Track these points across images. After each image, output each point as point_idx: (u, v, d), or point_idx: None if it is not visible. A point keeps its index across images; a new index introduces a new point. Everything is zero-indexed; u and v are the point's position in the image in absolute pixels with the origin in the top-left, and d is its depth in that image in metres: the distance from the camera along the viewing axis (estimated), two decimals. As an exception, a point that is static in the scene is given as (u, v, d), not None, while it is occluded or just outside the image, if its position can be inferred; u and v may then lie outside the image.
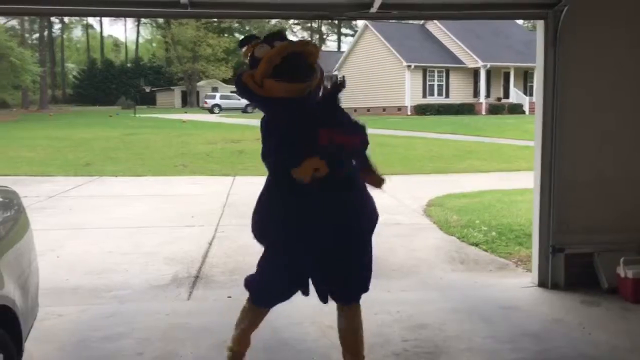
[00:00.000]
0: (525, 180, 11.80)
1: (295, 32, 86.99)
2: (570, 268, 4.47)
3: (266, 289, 2.98)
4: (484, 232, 6.63)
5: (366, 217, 2.91)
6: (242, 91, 2.84)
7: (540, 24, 4.44)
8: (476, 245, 6.23)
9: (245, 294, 3.05)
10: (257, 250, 3.02)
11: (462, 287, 4.74)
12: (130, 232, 6.94)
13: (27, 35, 64.40)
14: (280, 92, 2.71)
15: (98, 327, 3.76)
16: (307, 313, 3.80)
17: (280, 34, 2.88)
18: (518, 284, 4.73)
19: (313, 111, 2.75)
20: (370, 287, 4.01)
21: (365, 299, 4.27)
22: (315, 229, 2.78)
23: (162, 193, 10.26)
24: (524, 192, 9.92)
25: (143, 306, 4.27)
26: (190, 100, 59.17)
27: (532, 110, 36.45)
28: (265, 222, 2.87)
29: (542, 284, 4.56)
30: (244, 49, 2.93)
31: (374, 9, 4.01)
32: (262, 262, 2.96)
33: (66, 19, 77.95)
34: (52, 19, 69.55)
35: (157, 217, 7.94)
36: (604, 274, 4.39)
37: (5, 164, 14.51)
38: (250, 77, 2.76)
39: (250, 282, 3.00)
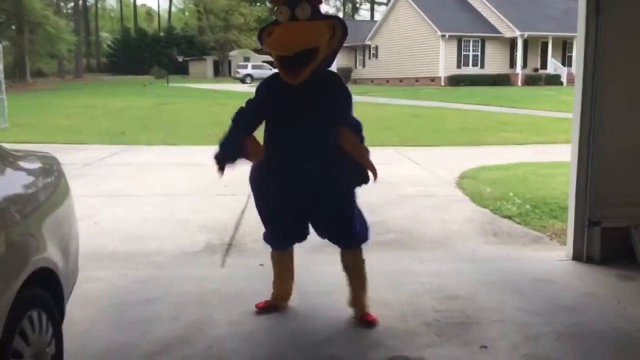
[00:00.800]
0: (562, 154, 11.53)
1: (328, 1, 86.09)
2: (606, 242, 4.40)
3: (272, 233, 3.49)
4: (518, 205, 6.55)
5: (340, 182, 3.30)
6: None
7: (582, -7, 4.30)
8: (509, 217, 6.16)
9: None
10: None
11: (494, 259, 4.71)
12: (164, 200, 7.06)
13: (62, 4, 65.03)
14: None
15: (135, 291, 3.87)
16: (338, 282, 3.83)
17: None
18: (552, 257, 4.68)
19: (292, 93, 3.16)
20: (401, 257, 4.12)
21: (396, 269, 4.32)
22: (296, 194, 3.29)
23: (194, 162, 10.36)
24: (560, 165, 9.72)
25: (178, 272, 4.36)
26: (222, 70, 59.28)
27: (570, 81, 35.79)
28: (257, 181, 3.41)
29: (577, 257, 4.50)
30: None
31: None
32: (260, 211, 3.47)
33: (100, -12, 78.48)
34: (87, -13, 70.07)
35: (190, 185, 8.05)
36: (641, 248, 4.32)
37: (42, 131, 14.84)
38: (268, 34, 3.22)
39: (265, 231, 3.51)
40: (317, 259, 4.32)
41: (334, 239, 3.46)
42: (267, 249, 3.63)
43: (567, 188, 7.36)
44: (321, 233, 3.47)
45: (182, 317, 3.46)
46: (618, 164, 4.36)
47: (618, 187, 4.37)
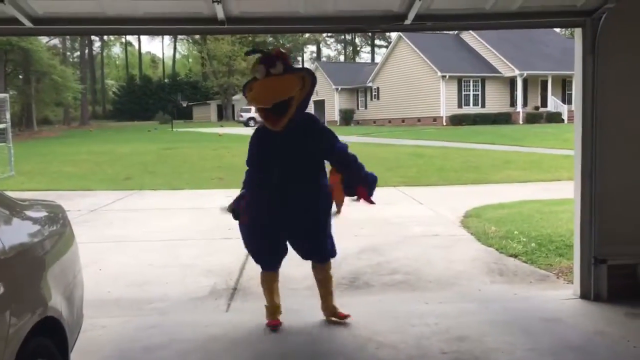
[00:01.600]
0: (566, 191, 11.54)
1: (329, 45, 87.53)
2: (613, 279, 4.37)
3: (257, 256, 4.10)
4: (523, 243, 6.52)
5: (320, 210, 3.92)
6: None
7: (578, 32, 4.39)
8: (515, 256, 6.13)
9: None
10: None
11: (501, 299, 4.67)
12: (168, 245, 7.06)
13: (68, 53, 66.33)
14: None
15: (140, 338, 3.84)
16: (344, 324, 3.81)
17: (269, 56, 3.72)
18: (559, 295, 4.64)
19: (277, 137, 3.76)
20: (408, 298, 4.19)
21: (402, 310, 4.29)
22: (282, 213, 3.81)
23: (199, 206, 10.40)
24: (564, 203, 9.72)
25: (182, 318, 4.33)
26: (225, 114, 59.94)
27: (570, 118, 35.94)
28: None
29: (584, 295, 4.46)
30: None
31: (408, 21, 4.02)
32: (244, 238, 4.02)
33: (105, 37, 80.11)
34: (93, 37, 71.56)
35: (195, 229, 8.06)
36: (649, 285, 4.28)
37: (48, 178, 14.94)
38: (249, 89, 3.77)
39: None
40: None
41: (313, 256, 4.07)
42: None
43: (571, 225, 7.39)
44: (301, 252, 4.06)
45: (187, 364, 3.43)
46: (622, 200, 4.36)
47: (623, 223, 4.37)
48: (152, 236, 7.65)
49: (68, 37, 63.88)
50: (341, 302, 4.59)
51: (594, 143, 4.34)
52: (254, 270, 5.74)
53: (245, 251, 6.37)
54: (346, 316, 4.06)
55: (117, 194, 12.18)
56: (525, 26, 4.93)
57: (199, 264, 6.01)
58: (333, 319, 4.07)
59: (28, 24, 4.04)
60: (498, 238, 6.99)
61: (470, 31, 39.72)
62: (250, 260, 6.07)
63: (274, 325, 3.98)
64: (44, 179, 14.89)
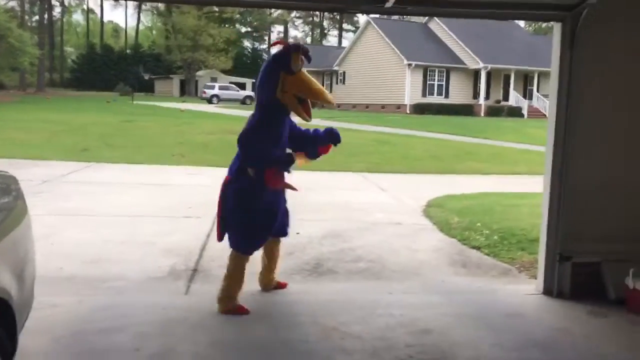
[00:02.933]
0: (525, 184, 11.81)
1: (297, 26, 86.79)
2: (577, 277, 4.39)
3: (255, 240, 3.97)
4: (486, 236, 6.54)
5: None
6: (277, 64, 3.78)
7: (557, 26, 4.35)
8: (478, 248, 6.14)
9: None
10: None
11: (465, 291, 4.65)
12: (127, 221, 6.83)
13: (27, 17, 63.86)
14: (289, 107, 3.82)
15: (94, 319, 3.66)
16: (308, 312, 3.71)
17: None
18: (522, 290, 4.65)
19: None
20: (372, 287, 4.26)
21: (367, 300, 4.23)
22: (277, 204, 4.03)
23: (159, 182, 10.14)
24: (525, 196, 9.84)
25: (140, 299, 4.15)
26: (188, 90, 58.89)
27: (531, 114, 36.68)
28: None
29: (547, 291, 4.47)
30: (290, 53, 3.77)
31: (389, 4, 3.90)
32: (247, 222, 3.89)
33: (66, 1, 77.55)
34: (53, 2, 69.16)
35: (154, 206, 7.83)
36: (612, 284, 4.31)
37: (-1, 145, 14.34)
38: (284, 79, 3.75)
39: (240, 241, 3.92)
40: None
41: (282, 231, 4.21)
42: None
43: (533, 219, 7.47)
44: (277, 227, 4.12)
45: (144, 348, 3.27)
46: (590, 197, 4.37)
47: (589, 221, 4.38)
48: (110, 211, 7.38)
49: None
50: (305, 288, 4.52)
51: (565, 139, 4.33)
52: (215, 250, 5.60)
53: (205, 231, 6.29)
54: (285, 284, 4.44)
55: (73, 165, 11.77)
56: (506, 17, 4.88)
57: (158, 242, 5.82)
58: (279, 286, 4.40)
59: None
60: (461, 229, 7.00)
61: (438, 21, 40.01)
62: (211, 240, 5.92)
63: (245, 311, 3.87)
64: (-7, 145, 14.28)
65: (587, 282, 4.37)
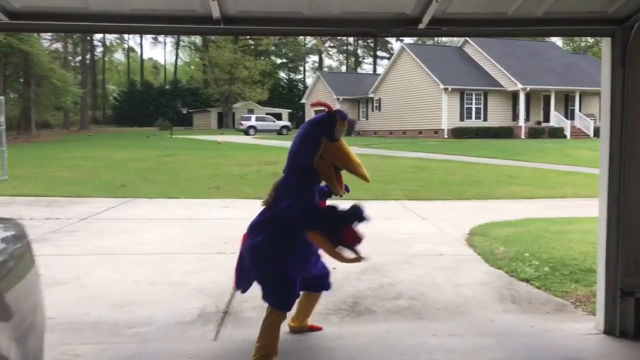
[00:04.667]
0: (572, 208, 11.29)
1: (331, 55, 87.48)
2: (642, 314, 3.97)
3: (293, 293, 3.61)
4: (535, 267, 6.12)
5: None
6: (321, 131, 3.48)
7: (606, 42, 4.02)
8: (527, 281, 5.73)
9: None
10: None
11: (517, 332, 4.25)
12: (159, 259, 6.66)
13: (70, 57, 66.10)
14: (323, 176, 3.52)
15: (116, 371, 3.44)
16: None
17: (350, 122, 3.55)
18: (580, 330, 4.23)
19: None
20: (414, 329, 4.34)
21: (409, 344, 3.89)
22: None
23: (194, 216, 10.02)
24: (573, 222, 9.34)
25: (166, 347, 3.91)
26: (226, 122, 59.70)
27: (573, 134, 35.80)
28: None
29: (608, 331, 4.06)
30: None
31: (422, 25, 3.65)
32: (285, 273, 3.54)
33: (107, 43, 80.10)
34: (95, 42, 71.49)
35: (188, 242, 7.66)
36: (682, 322, 3.88)
37: (41, 183, 14.55)
38: (325, 146, 3.45)
39: (281, 296, 3.56)
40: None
41: (324, 284, 3.98)
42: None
43: (584, 247, 7.02)
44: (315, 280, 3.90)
45: (166, 404, 3.02)
46: (652, 226, 3.97)
47: (653, 252, 3.97)
48: (143, 249, 7.25)
49: (70, 41, 63.82)
50: (341, 332, 4.21)
51: (622, 162, 3.96)
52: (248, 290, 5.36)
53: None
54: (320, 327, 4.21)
55: (110, 201, 11.78)
56: (549, 34, 4.61)
57: (189, 282, 5.61)
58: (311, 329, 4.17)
59: (4, 18, 3.67)
60: (507, 260, 6.60)
61: (473, 43, 39.62)
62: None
63: None
64: (37, 184, 14.49)
65: (653, 320, 3.95)
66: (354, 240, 3.45)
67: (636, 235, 3.95)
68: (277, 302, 3.56)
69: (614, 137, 3.98)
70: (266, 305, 3.61)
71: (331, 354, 3.71)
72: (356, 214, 3.43)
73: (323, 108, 3.60)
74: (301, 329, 4.10)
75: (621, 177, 3.96)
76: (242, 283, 3.79)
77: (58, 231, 8.38)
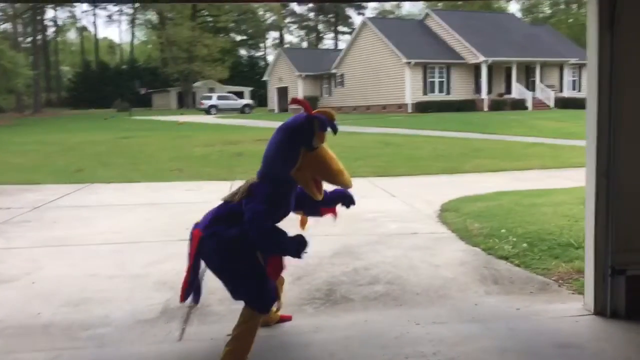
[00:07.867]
0: (540, 180, 11.19)
1: (292, 31, 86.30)
2: (634, 293, 3.77)
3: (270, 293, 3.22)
4: (513, 243, 5.93)
5: None
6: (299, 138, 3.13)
7: (592, 3, 3.74)
8: (506, 259, 5.52)
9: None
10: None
11: (503, 316, 4.00)
12: (117, 249, 6.24)
13: (20, 38, 63.52)
14: (301, 184, 3.24)
15: (68, 382, 3.06)
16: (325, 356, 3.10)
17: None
18: (569, 311, 4.01)
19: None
20: (395, 317, 4.04)
21: (391, 335, 3.61)
22: None
23: (155, 201, 9.56)
24: (543, 194, 9.22)
25: (125, 351, 3.53)
26: (186, 102, 58.48)
27: (535, 105, 36.13)
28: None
29: (599, 312, 3.84)
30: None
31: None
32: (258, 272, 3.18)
33: (60, 21, 77.30)
34: (46, 22, 68.88)
35: (149, 229, 7.25)
36: (676, 299, 3.70)
37: (-8, 171, 13.81)
38: (303, 156, 3.12)
39: (258, 296, 3.17)
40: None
41: None
42: (235, 314, 3.17)
43: (559, 220, 6.85)
44: None
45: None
46: (642, 201, 3.75)
47: (645, 227, 3.76)
48: (100, 238, 6.79)
49: (20, 21, 61.25)
50: (318, 324, 3.91)
51: (610, 136, 3.71)
52: (213, 280, 4.99)
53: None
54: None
55: (65, 187, 11.18)
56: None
57: (150, 274, 5.22)
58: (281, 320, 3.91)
59: None
60: (483, 236, 6.40)
61: (435, 16, 39.42)
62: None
63: None
64: (-13, 171, 13.74)
65: (646, 298, 3.75)
66: (274, 273, 3.31)
67: (628, 210, 3.72)
68: (258, 300, 3.18)
69: (602, 107, 3.73)
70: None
71: (308, 351, 3.39)
72: (299, 250, 3.13)
73: (300, 107, 3.21)
74: (271, 321, 3.77)
75: (610, 149, 3.72)
76: (194, 291, 3.45)
77: (8, 222, 7.84)
